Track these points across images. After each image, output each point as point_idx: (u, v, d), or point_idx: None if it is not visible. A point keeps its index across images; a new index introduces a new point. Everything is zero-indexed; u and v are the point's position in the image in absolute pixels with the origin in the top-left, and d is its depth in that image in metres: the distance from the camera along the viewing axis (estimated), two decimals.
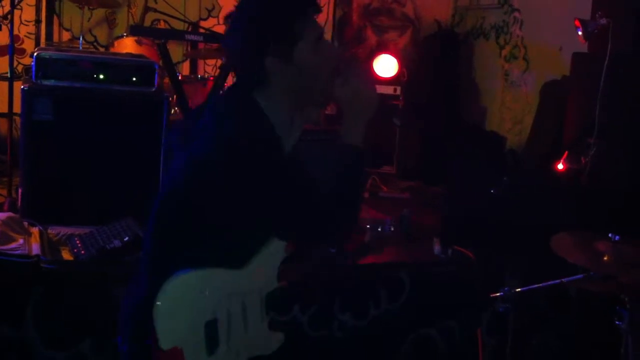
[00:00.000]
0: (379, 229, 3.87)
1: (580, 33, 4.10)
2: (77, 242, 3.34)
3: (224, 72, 4.56)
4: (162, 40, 4.28)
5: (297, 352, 2.61)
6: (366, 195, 4.41)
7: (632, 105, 4.02)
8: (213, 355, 2.04)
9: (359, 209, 2.14)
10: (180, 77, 4.78)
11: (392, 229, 3.93)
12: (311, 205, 2.01)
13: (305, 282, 3.29)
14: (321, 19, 5.47)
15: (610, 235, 2.80)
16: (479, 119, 6.20)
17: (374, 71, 5.39)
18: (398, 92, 5.33)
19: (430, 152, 5.46)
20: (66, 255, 3.32)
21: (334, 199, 2.03)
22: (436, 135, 5.63)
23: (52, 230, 3.52)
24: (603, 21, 4.06)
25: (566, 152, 4.17)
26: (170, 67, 4.34)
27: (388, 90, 5.28)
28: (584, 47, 4.46)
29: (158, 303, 1.96)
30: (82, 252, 3.27)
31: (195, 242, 2.02)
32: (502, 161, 4.94)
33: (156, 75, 3.80)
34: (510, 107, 5.92)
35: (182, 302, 2.00)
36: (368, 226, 3.83)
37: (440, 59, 6.28)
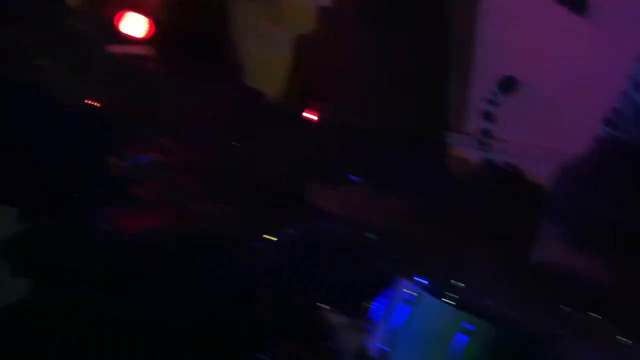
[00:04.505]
0: None
1: None
2: None
3: None
4: None
5: None
6: None
7: None
8: None
9: None
10: None
11: None
12: None
13: None
14: None
15: (352, 177, 2.95)
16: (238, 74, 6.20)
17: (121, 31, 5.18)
18: (149, 51, 5.17)
19: None
20: None
21: None
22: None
23: None
24: None
25: (317, 101, 4.30)
26: None
27: (139, 50, 5.10)
28: None
29: None
30: None
31: None
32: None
33: None
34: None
35: None
36: None
37: (194, 18, 6.17)
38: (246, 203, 3.70)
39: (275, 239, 2.86)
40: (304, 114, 4.37)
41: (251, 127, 4.24)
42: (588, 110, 4.20)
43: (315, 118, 4.41)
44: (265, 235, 2.91)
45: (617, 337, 2.55)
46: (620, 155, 3.02)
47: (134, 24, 5.26)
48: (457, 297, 2.42)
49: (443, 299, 2.43)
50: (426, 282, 2.47)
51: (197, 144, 5.01)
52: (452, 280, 2.63)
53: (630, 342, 2.53)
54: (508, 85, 4.64)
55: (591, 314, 2.84)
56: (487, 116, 4.75)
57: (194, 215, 3.62)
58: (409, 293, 2.47)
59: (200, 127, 4.68)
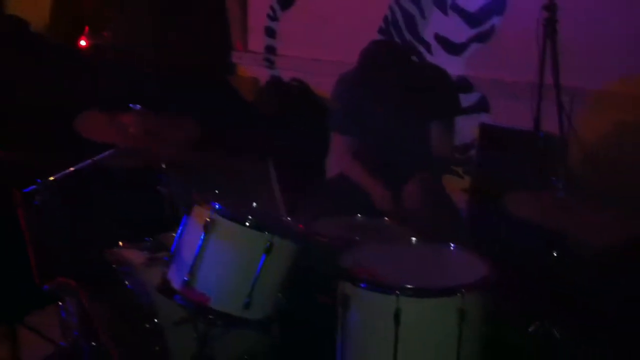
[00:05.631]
0: None
1: None
2: None
3: None
4: None
5: None
6: None
7: None
8: None
9: None
10: None
11: None
12: None
13: None
14: None
15: (131, 105, 2.79)
16: None
17: None
18: None
19: None
20: None
21: None
22: None
23: None
24: None
25: (87, 27, 4.02)
26: None
27: None
28: None
29: None
30: None
31: None
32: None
33: None
34: None
35: None
36: None
37: None
38: (23, 144, 3.42)
39: (52, 178, 2.65)
40: (75, 42, 4.08)
41: (18, 58, 3.89)
42: (364, 20, 4.31)
43: (84, 44, 4.13)
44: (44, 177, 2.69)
45: (411, 238, 2.69)
46: (390, 59, 3.09)
47: None
48: (252, 218, 2.39)
49: (239, 221, 2.39)
50: (220, 207, 2.41)
51: None
52: (246, 201, 2.60)
53: (415, 240, 2.68)
54: (286, 0, 4.62)
55: (384, 219, 2.96)
56: (269, 33, 4.72)
57: None
58: (204, 219, 2.40)
59: None
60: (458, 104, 3.41)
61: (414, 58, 3.84)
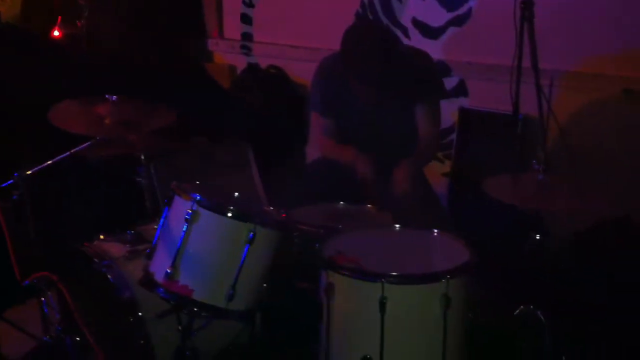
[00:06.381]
0: None
1: None
2: None
3: None
4: None
5: None
6: None
7: None
8: None
9: None
10: None
11: None
12: None
13: None
14: None
15: (107, 96, 2.76)
16: None
17: None
18: None
19: None
20: None
21: None
22: None
23: None
24: None
25: (59, 17, 3.96)
26: None
27: None
28: None
29: None
30: None
31: None
32: None
33: None
34: None
35: None
36: None
37: None
38: None
39: (29, 172, 2.61)
40: (48, 33, 4.01)
41: None
42: (341, 5, 4.28)
43: (58, 34, 4.07)
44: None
45: (394, 225, 2.68)
46: (373, 40, 3.05)
47: None
48: (234, 208, 2.37)
49: (221, 212, 2.37)
50: (201, 198, 2.38)
51: None
52: (227, 191, 2.58)
53: (398, 226, 2.68)
54: None
55: (367, 206, 2.96)
56: (245, 19, 4.68)
57: None
58: (185, 210, 2.37)
59: None
60: (442, 86, 3.38)
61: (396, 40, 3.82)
